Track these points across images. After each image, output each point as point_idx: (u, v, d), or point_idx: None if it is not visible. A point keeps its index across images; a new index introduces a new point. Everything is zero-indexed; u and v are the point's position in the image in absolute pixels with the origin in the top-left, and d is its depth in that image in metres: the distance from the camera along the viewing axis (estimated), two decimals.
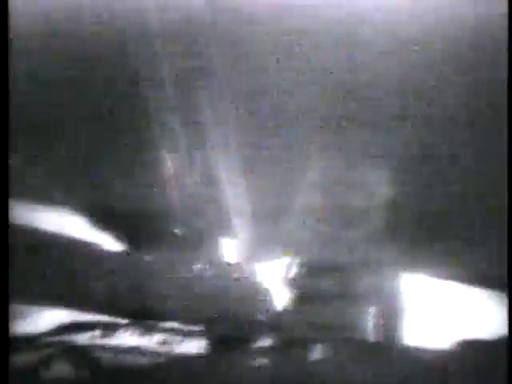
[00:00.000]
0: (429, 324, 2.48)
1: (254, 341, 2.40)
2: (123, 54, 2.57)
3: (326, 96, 2.55)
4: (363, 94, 2.53)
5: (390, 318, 2.54)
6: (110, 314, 2.46)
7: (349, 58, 2.51)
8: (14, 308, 2.34)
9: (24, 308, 2.45)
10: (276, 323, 2.51)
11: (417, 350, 2.40)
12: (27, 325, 2.43)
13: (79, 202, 2.69)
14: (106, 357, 2.28)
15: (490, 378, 2.11)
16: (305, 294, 2.57)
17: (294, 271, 2.61)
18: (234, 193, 2.64)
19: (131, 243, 2.68)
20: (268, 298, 2.57)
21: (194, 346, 2.39)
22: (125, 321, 2.46)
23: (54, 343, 2.35)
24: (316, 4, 2.47)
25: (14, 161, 2.47)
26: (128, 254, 2.67)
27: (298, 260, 2.62)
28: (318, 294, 2.54)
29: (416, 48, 2.48)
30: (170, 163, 2.66)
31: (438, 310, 2.51)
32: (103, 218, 2.69)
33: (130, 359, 2.29)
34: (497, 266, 2.37)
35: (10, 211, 2.18)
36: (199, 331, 2.44)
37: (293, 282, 2.59)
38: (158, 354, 2.33)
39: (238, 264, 2.66)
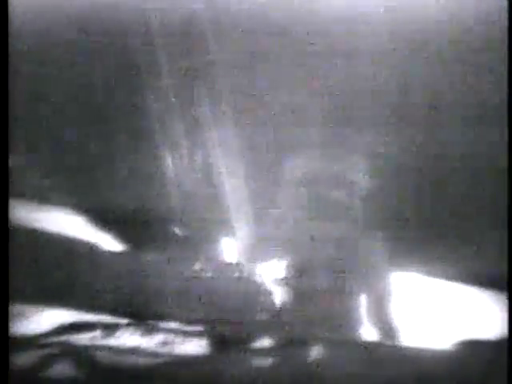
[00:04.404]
0: (429, 324, 2.48)
1: (254, 341, 2.40)
2: (123, 54, 2.57)
3: (326, 96, 2.55)
4: (363, 95, 2.53)
5: (390, 319, 2.54)
6: (110, 314, 2.46)
7: (349, 59, 2.52)
8: (14, 308, 2.34)
9: (24, 308, 2.45)
10: (276, 323, 2.51)
11: (417, 349, 2.41)
12: (27, 325, 2.42)
13: (79, 202, 2.69)
14: (106, 357, 2.28)
15: (490, 378, 2.11)
16: (304, 294, 2.56)
17: (293, 271, 2.61)
18: (234, 193, 2.64)
19: (131, 243, 2.68)
20: (268, 298, 2.57)
21: (194, 346, 2.39)
22: (125, 321, 2.45)
23: (54, 343, 2.35)
24: (316, 5, 2.47)
25: (14, 161, 2.47)
26: (128, 254, 2.68)
27: (297, 260, 2.62)
28: (317, 293, 2.54)
29: (415, 48, 2.48)
30: (170, 163, 2.66)
31: (438, 310, 2.51)
32: (103, 218, 2.68)
33: (130, 359, 2.29)
34: (497, 266, 2.37)
35: (10, 211, 2.18)
36: (199, 331, 2.44)
37: (292, 282, 2.59)
38: (159, 354, 2.33)
39: (237, 264, 2.66)
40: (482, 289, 2.54)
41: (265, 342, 2.40)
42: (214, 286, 2.53)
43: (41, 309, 2.48)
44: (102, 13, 2.52)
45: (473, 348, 2.25)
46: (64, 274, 2.47)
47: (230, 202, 2.66)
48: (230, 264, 2.66)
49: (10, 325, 2.16)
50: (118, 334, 2.41)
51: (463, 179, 2.57)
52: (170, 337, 2.40)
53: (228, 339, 2.40)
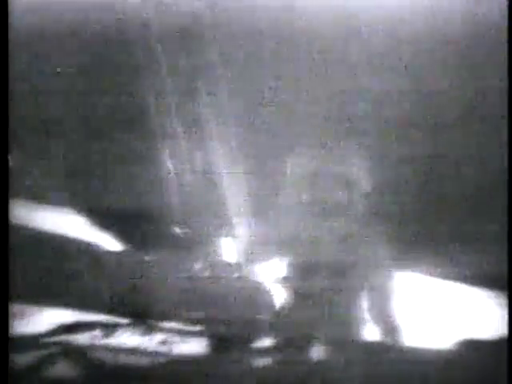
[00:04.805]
0: (429, 324, 2.48)
1: (254, 341, 2.40)
2: (123, 54, 2.57)
3: (325, 96, 2.55)
4: (362, 95, 2.53)
5: (391, 318, 2.54)
6: (110, 314, 2.46)
7: (348, 59, 2.52)
8: (14, 308, 2.34)
9: (24, 308, 2.45)
10: (276, 323, 2.51)
11: (417, 349, 2.41)
12: (27, 325, 2.43)
13: (79, 202, 2.69)
14: (106, 357, 2.28)
15: (490, 378, 2.11)
16: (305, 294, 2.56)
17: (293, 270, 2.61)
18: (234, 193, 2.64)
19: (131, 243, 2.68)
20: (268, 298, 2.57)
21: (194, 346, 2.39)
22: (125, 321, 2.46)
23: (54, 343, 2.35)
24: (316, 4, 2.47)
25: (14, 161, 2.47)
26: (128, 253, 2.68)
27: (297, 259, 2.62)
28: (318, 293, 2.54)
29: (414, 48, 2.48)
30: (169, 163, 2.66)
31: (438, 310, 2.51)
32: (103, 218, 2.68)
33: (130, 359, 2.29)
34: (497, 266, 2.37)
35: (10, 211, 2.19)
36: (199, 331, 2.44)
37: (292, 282, 2.59)
38: (158, 354, 2.33)
39: (237, 264, 2.66)
40: (482, 289, 2.53)
41: (265, 342, 2.40)
42: (213, 285, 2.53)
43: (41, 309, 2.48)
44: (101, 13, 2.52)
45: (473, 348, 2.25)
46: (64, 273, 2.47)
47: (230, 201, 2.66)
48: (230, 264, 2.66)
49: (10, 325, 2.16)
50: (117, 333, 2.41)
51: (464, 179, 2.57)
52: (170, 336, 2.41)
53: (228, 339, 2.40)
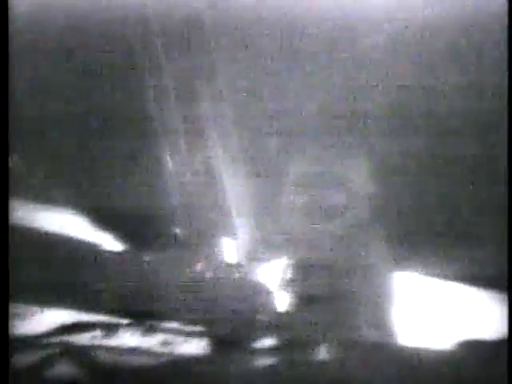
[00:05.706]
0: (429, 324, 2.48)
1: (254, 341, 2.40)
2: (123, 54, 2.57)
3: (325, 96, 2.55)
4: (363, 96, 2.54)
5: (390, 319, 2.54)
6: (110, 314, 2.46)
7: (349, 60, 2.52)
8: (14, 308, 2.34)
9: (24, 308, 2.45)
10: (276, 323, 2.51)
11: (417, 350, 2.41)
12: (27, 325, 2.43)
13: (79, 202, 2.69)
14: (107, 357, 2.28)
15: (490, 378, 2.11)
16: (305, 294, 2.56)
17: (293, 271, 2.61)
18: (235, 193, 2.64)
19: (131, 243, 2.68)
20: (268, 298, 2.57)
21: (195, 346, 2.39)
22: (126, 321, 2.46)
23: (55, 343, 2.35)
24: (317, 4, 2.47)
25: (14, 161, 2.48)
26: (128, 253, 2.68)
27: (297, 260, 2.62)
28: (317, 293, 2.54)
29: (415, 48, 2.48)
30: (170, 163, 2.66)
31: (438, 310, 2.51)
32: (103, 217, 2.68)
33: (130, 359, 2.29)
34: (497, 266, 2.37)
35: (10, 211, 2.19)
36: (199, 331, 2.44)
37: (292, 282, 2.59)
38: (159, 354, 2.34)
39: (237, 264, 2.66)
40: (481, 289, 2.54)
41: (265, 343, 2.40)
42: (214, 286, 2.54)
43: (41, 309, 2.48)
44: (101, 13, 2.52)
45: (473, 348, 2.25)
46: (64, 273, 2.47)
47: (231, 202, 2.66)
48: (230, 264, 2.66)
49: (10, 325, 2.16)
50: (118, 333, 2.41)
51: (463, 179, 2.57)
52: (170, 337, 2.41)
53: (228, 339, 2.40)
